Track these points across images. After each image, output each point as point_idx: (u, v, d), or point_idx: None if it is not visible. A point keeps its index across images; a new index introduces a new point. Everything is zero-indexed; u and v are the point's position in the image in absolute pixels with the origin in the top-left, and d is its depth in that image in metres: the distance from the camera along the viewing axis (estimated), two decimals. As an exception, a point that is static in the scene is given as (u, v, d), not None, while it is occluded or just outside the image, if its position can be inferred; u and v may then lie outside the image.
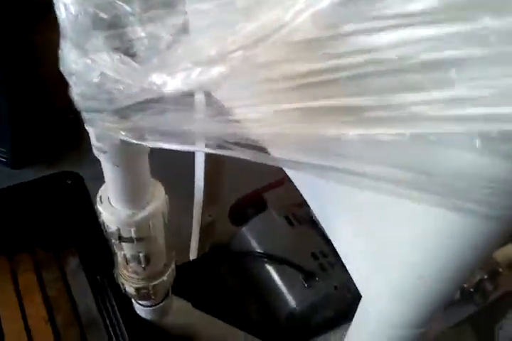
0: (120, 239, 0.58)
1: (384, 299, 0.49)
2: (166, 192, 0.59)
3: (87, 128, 0.46)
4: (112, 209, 0.56)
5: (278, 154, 0.37)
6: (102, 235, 0.91)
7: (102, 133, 0.45)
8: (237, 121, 0.35)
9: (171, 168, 1.12)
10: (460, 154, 0.30)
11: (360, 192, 0.46)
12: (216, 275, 1.03)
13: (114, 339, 0.84)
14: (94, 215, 0.93)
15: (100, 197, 0.57)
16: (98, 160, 0.49)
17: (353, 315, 0.94)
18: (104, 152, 0.47)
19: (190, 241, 1.22)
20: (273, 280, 0.92)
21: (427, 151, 0.32)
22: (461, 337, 1.09)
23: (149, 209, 0.56)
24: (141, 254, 0.61)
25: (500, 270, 0.93)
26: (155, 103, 0.35)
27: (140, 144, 0.47)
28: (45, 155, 1.62)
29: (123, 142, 0.45)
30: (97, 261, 0.90)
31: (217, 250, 1.13)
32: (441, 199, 0.34)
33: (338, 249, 0.55)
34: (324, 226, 0.56)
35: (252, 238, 0.98)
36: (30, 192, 0.91)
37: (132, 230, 0.56)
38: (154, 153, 0.56)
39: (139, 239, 0.58)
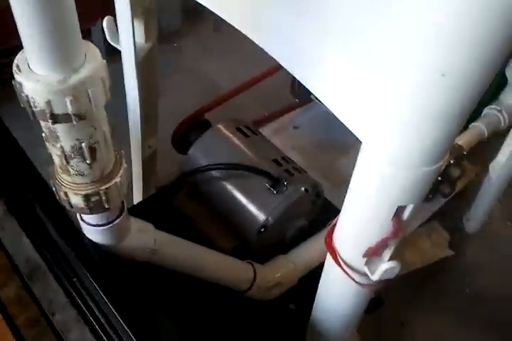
0: (53, 117, 0.45)
1: (397, 132, 0.41)
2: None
3: None
4: (35, 76, 0.43)
5: None
6: (30, 171, 0.77)
7: None
8: None
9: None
10: None
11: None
12: (171, 209, 0.91)
13: (65, 281, 0.71)
14: (15, 151, 0.79)
15: (17, 66, 0.44)
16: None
17: (325, 222, 0.88)
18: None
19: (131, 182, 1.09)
20: (236, 195, 0.83)
21: None
22: (431, 233, 1.07)
23: (85, 71, 0.44)
24: (83, 144, 0.49)
25: (465, 152, 0.91)
26: None
27: None
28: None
29: None
30: (28, 201, 0.76)
31: (165, 188, 1.01)
32: None
33: (328, 103, 0.46)
34: (306, 77, 0.47)
35: (203, 156, 0.88)
36: None
37: (68, 101, 0.44)
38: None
39: (79, 117, 0.46)
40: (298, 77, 0.48)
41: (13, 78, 0.44)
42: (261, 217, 0.80)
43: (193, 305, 0.80)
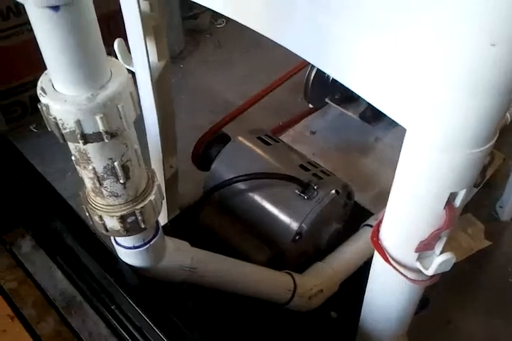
0: (84, 138, 0.44)
1: (445, 114, 0.39)
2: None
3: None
4: (62, 96, 0.42)
5: None
6: (55, 201, 0.76)
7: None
8: None
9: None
10: None
11: None
12: (200, 226, 0.90)
13: (103, 310, 0.69)
14: (36, 181, 0.78)
15: (42, 89, 0.43)
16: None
17: (356, 224, 0.85)
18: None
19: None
20: (266, 205, 0.81)
21: None
22: (466, 226, 1.04)
23: (113, 86, 0.43)
24: (116, 163, 0.48)
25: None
26: None
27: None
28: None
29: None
30: (55, 231, 0.74)
31: (192, 206, 0.99)
32: None
33: (366, 96, 0.44)
34: (340, 73, 0.46)
35: (227, 170, 0.86)
36: None
37: (98, 119, 0.42)
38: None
39: (110, 134, 0.44)
40: (331, 74, 0.46)
41: (39, 101, 0.43)
42: (295, 224, 0.78)
43: (236, 323, 0.78)
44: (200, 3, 0.55)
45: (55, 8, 0.35)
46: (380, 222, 0.55)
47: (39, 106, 0.44)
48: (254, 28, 0.50)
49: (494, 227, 1.08)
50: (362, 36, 0.41)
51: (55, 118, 0.43)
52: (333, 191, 0.79)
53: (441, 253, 0.54)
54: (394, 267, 0.55)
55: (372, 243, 0.56)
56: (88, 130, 0.43)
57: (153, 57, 0.77)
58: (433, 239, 0.51)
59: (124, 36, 0.76)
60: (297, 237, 0.79)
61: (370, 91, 0.44)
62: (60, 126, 0.43)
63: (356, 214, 0.94)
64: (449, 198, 0.46)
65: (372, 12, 0.39)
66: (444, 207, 0.47)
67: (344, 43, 0.43)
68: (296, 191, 0.78)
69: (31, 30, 0.38)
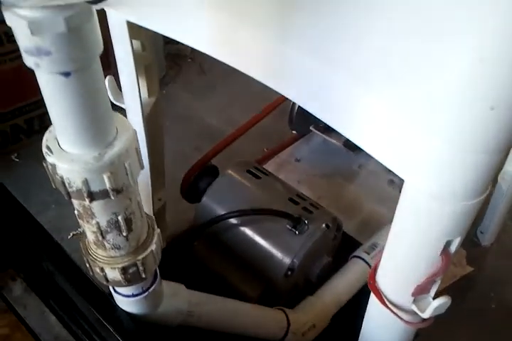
0: (91, 196, 0.44)
1: (441, 170, 0.41)
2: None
3: (9, 24, 0.32)
4: (69, 155, 0.42)
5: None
6: (47, 243, 0.74)
7: (36, 20, 0.32)
8: None
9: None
10: None
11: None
12: (190, 261, 0.89)
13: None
14: (25, 220, 0.76)
15: (48, 148, 0.43)
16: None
17: (345, 252, 0.86)
18: (47, 53, 0.34)
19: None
20: (257, 241, 0.82)
21: None
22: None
23: (120, 143, 0.43)
24: (119, 217, 0.48)
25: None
26: None
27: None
28: None
29: (70, 22, 0.32)
30: (48, 274, 0.73)
31: (178, 238, 0.99)
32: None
33: (366, 147, 0.45)
34: (339, 125, 0.47)
35: (217, 204, 0.86)
36: None
37: (106, 177, 0.42)
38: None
39: (116, 191, 0.44)
40: (330, 124, 0.48)
41: (44, 160, 0.43)
42: (287, 260, 0.79)
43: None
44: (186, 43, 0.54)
45: (66, 74, 0.36)
46: (376, 266, 0.57)
47: (44, 165, 0.44)
48: (251, 74, 0.51)
49: (476, 253, 1.11)
50: (368, 90, 0.42)
51: (61, 177, 0.43)
52: (324, 225, 0.80)
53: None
54: (391, 310, 0.56)
55: (369, 286, 0.57)
56: (95, 188, 0.43)
57: (144, 93, 0.77)
58: (429, 283, 0.52)
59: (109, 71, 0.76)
60: (289, 272, 0.79)
61: (368, 142, 0.45)
62: (67, 184, 0.43)
63: (343, 243, 0.95)
64: (444, 245, 0.48)
65: (371, 72, 0.40)
66: (441, 254, 0.49)
67: (348, 97, 0.44)
68: (288, 226, 0.79)
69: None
